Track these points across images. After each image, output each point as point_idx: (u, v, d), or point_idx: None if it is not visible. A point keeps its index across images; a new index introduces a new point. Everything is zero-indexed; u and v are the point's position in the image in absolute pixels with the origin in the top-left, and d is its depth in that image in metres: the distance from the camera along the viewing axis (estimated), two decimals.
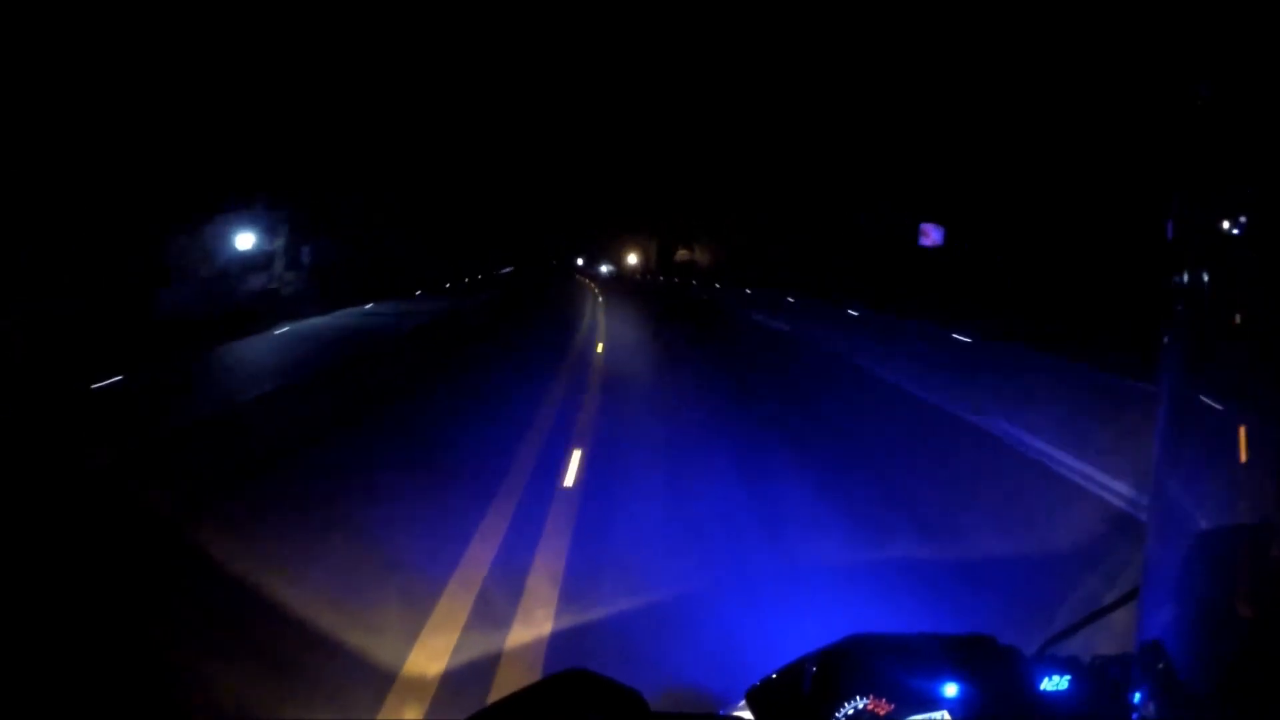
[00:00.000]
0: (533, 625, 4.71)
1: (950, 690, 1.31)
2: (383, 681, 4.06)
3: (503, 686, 3.92)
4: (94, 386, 14.27)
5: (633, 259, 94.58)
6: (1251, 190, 1.24)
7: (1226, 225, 1.26)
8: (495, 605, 5.00)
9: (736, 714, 1.41)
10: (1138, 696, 1.13)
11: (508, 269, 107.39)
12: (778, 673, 1.42)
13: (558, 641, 4.52)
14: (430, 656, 4.33)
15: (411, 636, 4.54)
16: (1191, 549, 1.21)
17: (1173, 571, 1.23)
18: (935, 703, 1.30)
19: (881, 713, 1.29)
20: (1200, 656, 1.10)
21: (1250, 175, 1.24)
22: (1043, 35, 23.22)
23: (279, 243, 33.65)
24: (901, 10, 32.89)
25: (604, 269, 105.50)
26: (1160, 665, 1.11)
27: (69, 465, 9.02)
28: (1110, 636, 1.41)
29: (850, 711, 1.29)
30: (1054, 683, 1.33)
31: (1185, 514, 1.24)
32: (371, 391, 13.85)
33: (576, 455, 8.74)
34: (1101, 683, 1.34)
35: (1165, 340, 1.28)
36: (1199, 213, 1.28)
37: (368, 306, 32.44)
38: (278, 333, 23.21)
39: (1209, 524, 1.21)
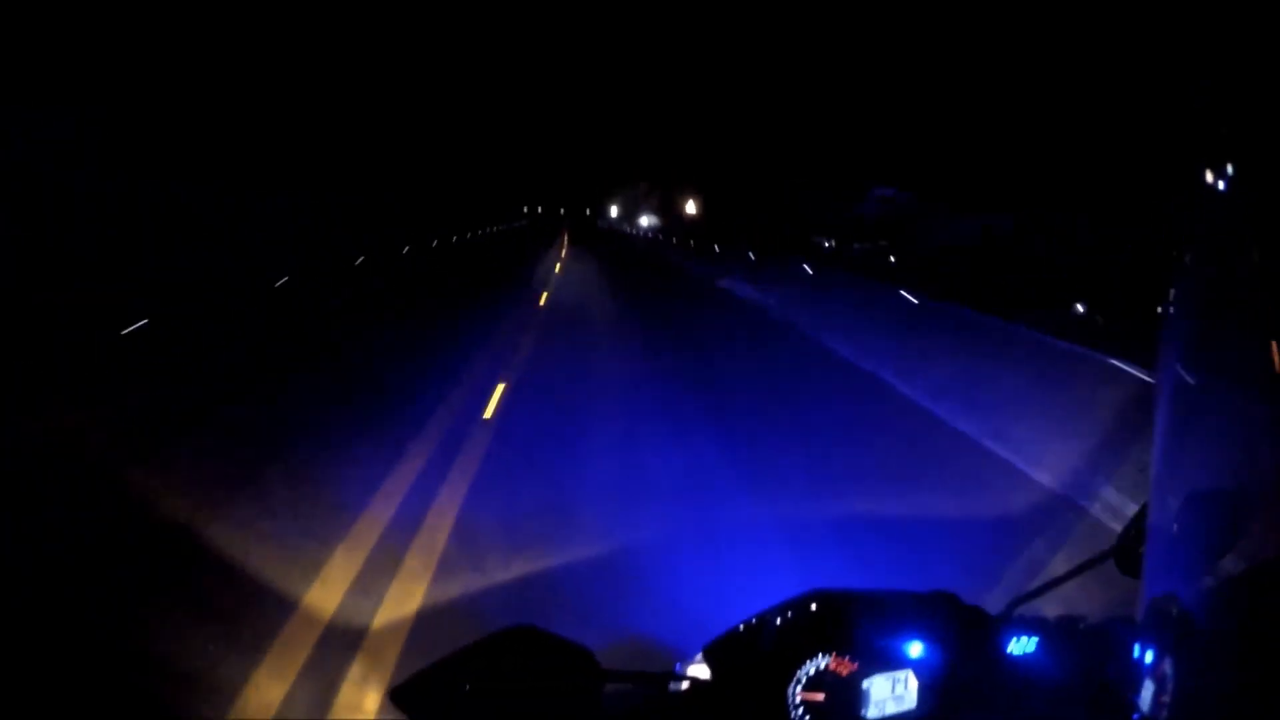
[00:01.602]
0: None
1: (915, 650, 1.28)
2: None
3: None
4: None
5: (691, 208, 64.59)
6: (1251, 180, 1.24)
7: (1226, 212, 1.26)
8: None
9: (692, 671, 1.39)
10: (1149, 655, 1.10)
11: (517, 224, 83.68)
12: (735, 628, 1.39)
13: None
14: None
15: None
16: (1195, 514, 1.20)
17: (1177, 536, 1.21)
18: (899, 661, 1.28)
19: (845, 671, 1.27)
20: (1211, 615, 1.08)
21: (1250, 165, 1.24)
22: (1038, 30, 23.24)
23: None
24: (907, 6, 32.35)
25: (645, 221, 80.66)
26: (1175, 621, 1.09)
27: None
28: (1072, 600, 1.39)
29: (813, 670, 1.27)
30: (1022, 644, 1.30)
31: (1187, 479, 1.23)
32: None
33: None
34: (1071, 645, 1.31)
35: (1165, 316, 1.28)
36: (1198, 201, 1.28)
37: None
38: None
39: (1210, 489, 1.20)
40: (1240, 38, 1.35)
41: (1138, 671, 1.11)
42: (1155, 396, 1.21)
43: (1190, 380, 1.23)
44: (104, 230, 22.81)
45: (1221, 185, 1.31)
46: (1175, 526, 1.21)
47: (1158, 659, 1.09)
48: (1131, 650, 1.14)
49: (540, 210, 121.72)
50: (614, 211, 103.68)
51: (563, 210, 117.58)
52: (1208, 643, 1.05)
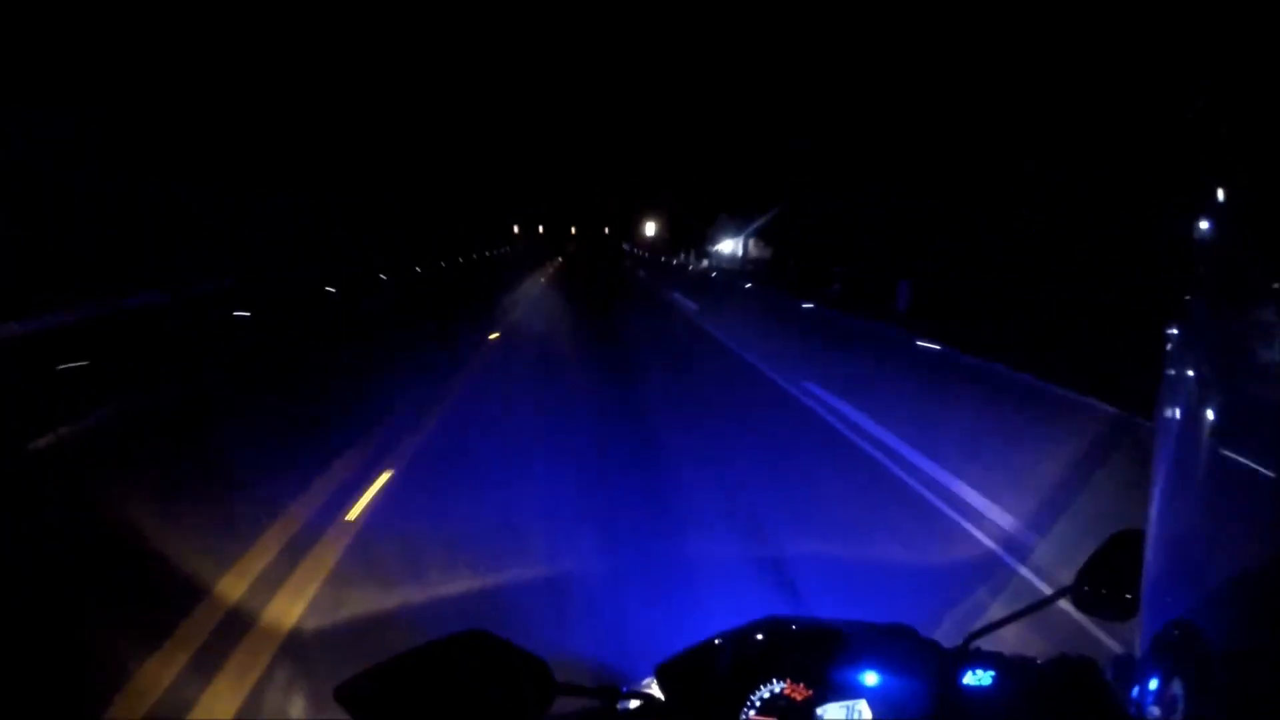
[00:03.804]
0: None
1: (870, 679, 1.29)
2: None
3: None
4: None
5: None
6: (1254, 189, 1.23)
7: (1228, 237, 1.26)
8: None
9: (644, 689, 1.39)
10: (1154, 684, 1.10)
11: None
12: (690, 650, 1.39)
13: None
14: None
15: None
16: (1198, 548, 1.21)
17: (1180, 569, 1.21)
18: (854, 690, 1.28)
19: (799, 698, 1.27)
20: (1223, 639, 1.08)
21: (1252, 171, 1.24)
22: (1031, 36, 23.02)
23: None
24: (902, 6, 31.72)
25: (728, 248, 56.57)
26: (1184, 647, 1.09)
27: None
28: (1030, 634, 1.39)
29: (767, 694, 1.27)
30: (977, 677, 1.31)
31: (1185, 520, 1.23)
32: None
33: None
34: (1027, 680, 1.32)
35: (1166, 357, 1.28)
36: (1201, 226, 1.28)
37: None
38: None
39: (1210, 530, 1.21)
40: (1239, 38, 1.34)
41: (1142, 698, 1.11)
42: (1154, 439, 1.21)
43: (1188, 422, 1.23)
44: (104, 230, 22.80)
45: (1222, 222, 1.30)
46: (1178, 560, 1.21)
47: (1164, 685, 1.09)
48: (1133, 679, 1.14)
49: (541, 230, 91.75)
50: (650, 229, 73.29)
51: (574, 229, 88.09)
52: (1221, 666, 1.06)
